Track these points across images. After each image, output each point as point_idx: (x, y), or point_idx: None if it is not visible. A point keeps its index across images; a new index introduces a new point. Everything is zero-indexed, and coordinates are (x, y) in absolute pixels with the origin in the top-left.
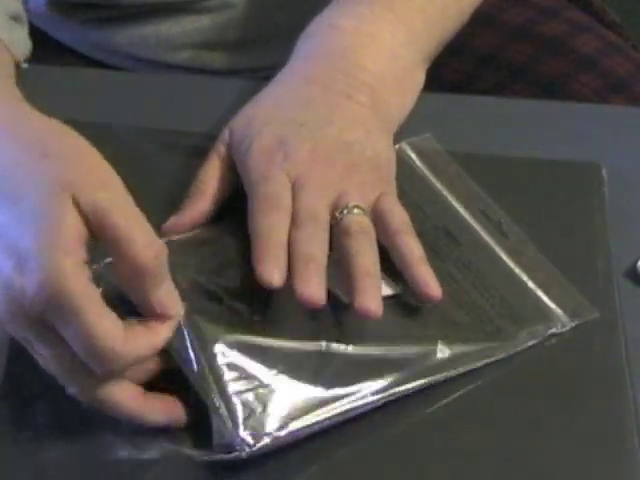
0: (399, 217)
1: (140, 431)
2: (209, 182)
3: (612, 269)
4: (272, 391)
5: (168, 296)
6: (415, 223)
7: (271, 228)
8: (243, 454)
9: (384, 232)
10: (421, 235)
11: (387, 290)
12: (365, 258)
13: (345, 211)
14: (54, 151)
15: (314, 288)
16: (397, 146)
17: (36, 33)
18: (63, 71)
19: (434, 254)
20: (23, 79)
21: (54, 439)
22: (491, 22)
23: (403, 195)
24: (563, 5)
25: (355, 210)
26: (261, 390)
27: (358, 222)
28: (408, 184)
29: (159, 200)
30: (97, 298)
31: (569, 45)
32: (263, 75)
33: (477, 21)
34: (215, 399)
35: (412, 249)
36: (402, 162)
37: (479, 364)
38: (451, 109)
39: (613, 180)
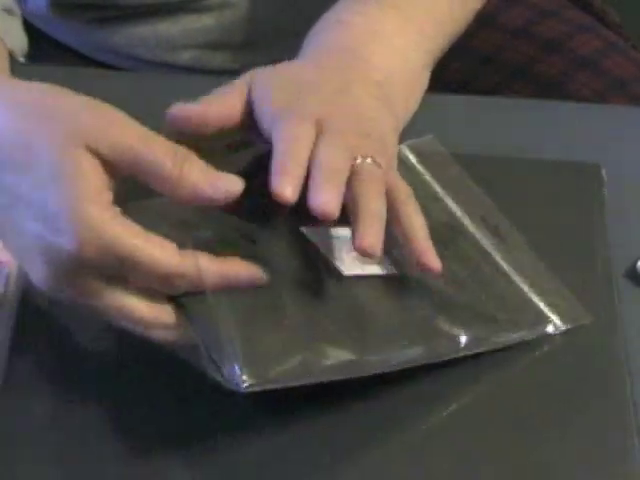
0: (404, 191)
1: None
2: (227, 99)
3: (612, 269)
4: (279, 337)
5: (202, 179)
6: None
7: (294, 140)
8: (242, 390)
9: (388, 204)
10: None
11: (385, 269)
12: (372, 202)
13: (359, 161)
14: (54, 110)
15: (328, 197)
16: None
17: (37, 34)
18: (63, 71)
19: (435, 247)
20: (23, 79)
21: (54, 439)
22: (491, 22)
23: None
24: (563, 5)
25: (368, 160)
26: (268, 336)
27: (371, 171)
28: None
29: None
30: (136, 229)
31: (569, 45)
32: None
33: (477, 21)
34: (222, 339)
35: (414, 220)
36: (401, 164)
37: (476, 350)
38: (451, 109)
39: (613, 180)
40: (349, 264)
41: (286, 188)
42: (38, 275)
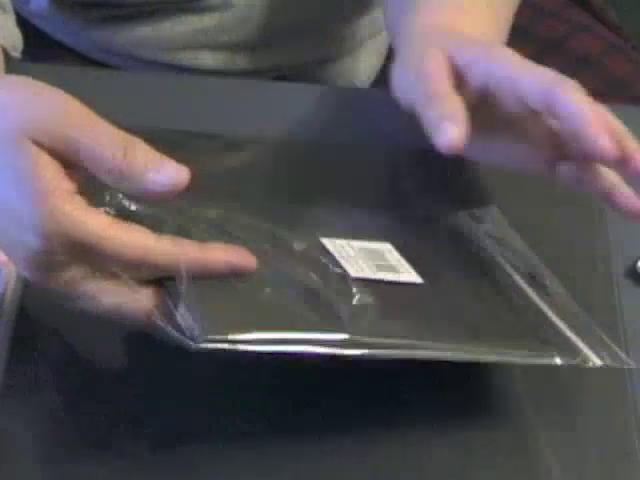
0: None
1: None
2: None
3: (612, 269)
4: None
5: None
6: (461, 254)
7: (591, 108)
8: (198, 344)
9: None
10: (466, 265)
11: (399, 277)
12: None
13: None
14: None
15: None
16: (457, 214)
17: (37, 33)
18: (63, 71)
19: (471, 275)
20: None
21: (54, 439)
22: None
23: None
24: (563, 5)
25: None
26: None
27: None
28: (463, 248)
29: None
30: (101, 218)
31: (569, 45)
32: (266, 76)
33: None
34: (185, 297)
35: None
36: (459, 229)
37: (490, 358)
38: None
39: None
40: (359, 268)
41: (453, 131)
42: (22, 271)
